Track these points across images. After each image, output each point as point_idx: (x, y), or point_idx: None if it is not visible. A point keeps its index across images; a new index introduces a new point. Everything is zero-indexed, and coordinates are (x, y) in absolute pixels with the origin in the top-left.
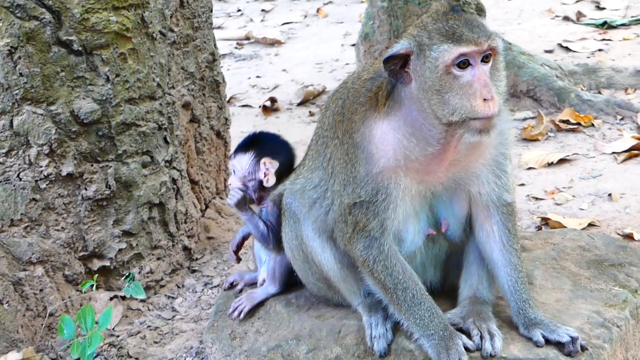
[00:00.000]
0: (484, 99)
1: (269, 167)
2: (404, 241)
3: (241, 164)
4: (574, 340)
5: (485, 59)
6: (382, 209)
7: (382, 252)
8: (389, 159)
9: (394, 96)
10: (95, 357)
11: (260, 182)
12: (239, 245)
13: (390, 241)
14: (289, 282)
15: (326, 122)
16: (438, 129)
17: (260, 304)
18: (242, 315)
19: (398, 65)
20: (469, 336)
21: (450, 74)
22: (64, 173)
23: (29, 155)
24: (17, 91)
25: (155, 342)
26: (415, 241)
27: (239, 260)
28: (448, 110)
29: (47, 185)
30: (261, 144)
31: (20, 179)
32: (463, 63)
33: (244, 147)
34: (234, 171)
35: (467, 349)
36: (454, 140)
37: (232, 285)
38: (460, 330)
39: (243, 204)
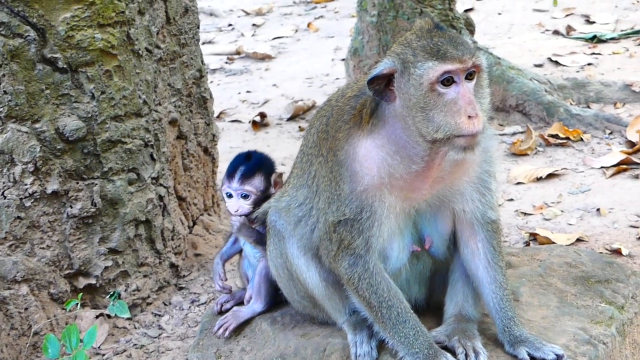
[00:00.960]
0: (469, 117)
1: (278, 181)
2: (389, 258)
3: (255, 186)
4: (559, 358)
5: (469, 77)
6: (367, 227)
7: (367, 270)
8: (373, 176)
9: (377, 114)
10: None
11: (267, 197)
12: (225, 273)
13: (375, 259)
14: (275, 300)
15: (310, 140)
16: (422, 147)
17: (246, 322)
18: (227, 333)
19: (382, 84)
20: (454, 354)
21: (435, 91)
22: (49, 191)
23: (13, 174)
24: (1, 109)
25: None
26: (400, 258)
27: (230, 290)
28: (432, 127)
29: (32, 203)
30: (261, 163)
31: (5, 197)
32: (447, 80)
33: (249, 172)
34: (243, 196)
35: None
36: (438, 158)
37: (221, 309)
38: (445, 348)
39: (247, 228)
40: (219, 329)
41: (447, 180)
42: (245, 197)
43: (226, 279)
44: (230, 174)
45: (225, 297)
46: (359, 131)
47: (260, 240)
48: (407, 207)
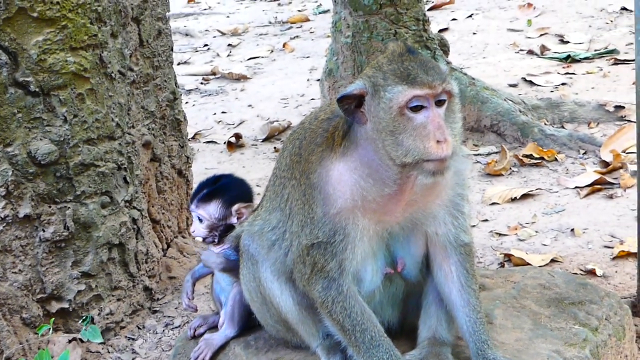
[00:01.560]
0: (437, 141)
1: (243, 212)
2: (362, 281)
3: (209, 212)
4: None
5: (439, 102)
6: (340, 250)
7: (341, 293)
8: (346, 199)
9: (350, 136)
10: None
11: (229, 225)
12: (193, 292)
13: (349, 282)
14: (249, 324)
15: (283, 163)
16: (393, 170)
17: (221, 347)
18: None
19: (352, 104)
20: None
21: (404, 115)
22: (21, 215)
23: None
24: None
25: None
26: (374, 280)
27: (196, 309)
28: (401, 151)
29: (3, 227)
30: (225, 190)
31: None
32: (416, 106)
33: (207, 196)
34: (199, 219)
35: None
36: (410, 182)
37: (194, 333)
38: None
39: (218, 258)
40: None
41: (420, 203)
42: (200, 220)
43: (193, 298)
44: (193, 195)
45: (198, 321)
46: (331, 154)
47: (228, 266)
48: (380, 229)
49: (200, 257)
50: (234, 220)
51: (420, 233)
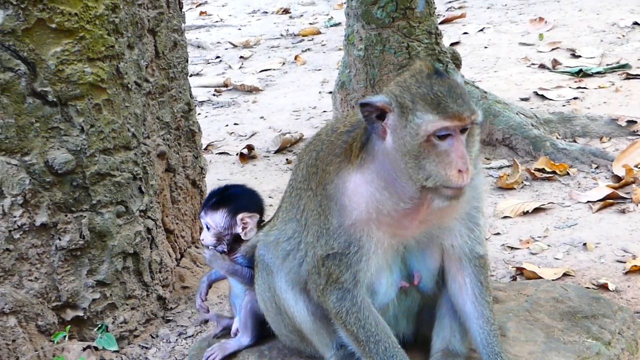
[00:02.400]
0: (459, 170)
1: (248, 222)
2: (377, 293)
3: (215, 221)
4: None
5: (463, 130)
6: (355, 261)
7: (355, 304)
8: (362, 211)
9: (367, 148)
10: None
11: (236, 235)
12: (207, 293)
13: (364, 293)
14: (263, 334)
15: (300, 174)
16: (411, 189)
17: (234, 354)
18: None
19: (374, 114)
20: None
21: (430, 142)
22: (37, 223)
23: (2, 206)
24: None
25: None
26: (388, 293)
27: (208, 310)
28: (422, 175)
29: (20, 235)
30: (231, 199)
31: None
32: (444, 135)
33: (214, 204)
34: (207, 227)
35: None
36: (426, 201)
37: (205, 322)
38: None
39: (216, 259)
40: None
41: (436, 218)
42: (208, 228)
43: (206, 299)
44: (204, 203)
45: (212, 316)
46: (348, 165)
47: (232, 269)
48: (395, 243)
49: (205, 257)
50: (239, 229)
51: (436, 246)
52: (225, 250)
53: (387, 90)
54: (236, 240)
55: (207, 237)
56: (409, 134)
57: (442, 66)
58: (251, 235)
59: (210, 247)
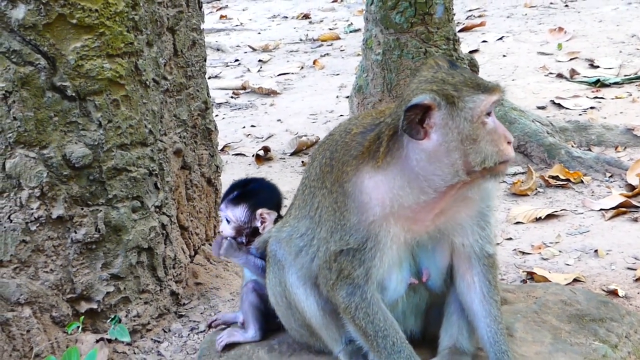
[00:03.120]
0: (508, 142)
1: (266, 218)
2: (386, 289)
3: (235, 215)
4: None
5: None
6: (369, 257)
7: (365, 300)
8: (383, 207)
9: (393, 152)
10: None
11: (255, 228)
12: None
13: (374, 289)
14: (269, 328)
15: (313, 173)
16: (446, 179)
17: (242, 348)
18: (219, 347)
19: (418, 117)
20: None
21: (483, 122)
22: (54, 216)
23: (20, 198)
24: (10, 134)
25: None
26: (397, 290)
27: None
28: (480, 158)
29: (37, 227)
30: (253, 194)
31: (11, 221)
32: (489, 112)
33: (235, 199)
34: (227, 220)
35: None
36: (454, 189)
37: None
38: None
39: (233, 250)
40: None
41: (450, 213)
42: (228, 221)
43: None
44: (223, 196)
45: (220, 317)
46: (367, 166)
47: (250, 263)
48: (409, 238)
49: (216, 248)
50: (257, 224)
51: (446, 243)
52: (244, 242)
53: (420, 90)
54: (254, 234)
55: (227, 229)
56: (465, 119)
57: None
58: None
59: (228, 238)
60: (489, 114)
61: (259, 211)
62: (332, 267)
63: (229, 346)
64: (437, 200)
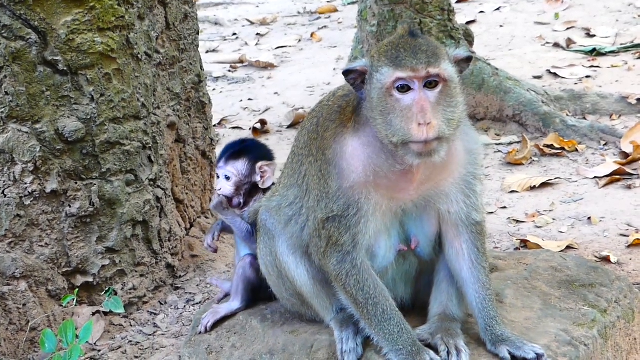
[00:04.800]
0: (419, 124)
1: (266, 170)
2: (376, 256)
3: (237, 169)
4: (539, 357)
5: (429, 85)
6: (354, 224)
7: (355, 267)
8: (359, 174)
9: (359, 112)
10: None
11: (254, 185)
12: (218, 236)
13: (363, 256)
14: (256, 297)
15: (301, 141)
16: (392, 148)
17: (233, 318)
18: (205, 329)
19: (358, 80)
20: (437, 352)
21: (392, 96)
22: (48, 190)
23: (13, 172)
24: (2, 109)
25: (136, 357)
26: (387, 257)
27: (216, 250)
28: (389, 131)
29: (31, 201)
30: (251, 148)
31: (5, 196)
32: (402, 87)
33: (236, 153)
34: (226, 177)
35: None
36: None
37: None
38: (429, 346)
39: (222, 207)
40: (200, 326)
41: (433, 181)
42: (227, 178)
43: (217, 239)
44: (220, 155)
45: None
46: (344, 129)
47: (236, 224)
48: (394, 206)
49: (210, 205)
50: (257, 178)
51: (433, 211)
52: (242, 202)
53: (367, 55)
54: (251, 193)
55: (226, 187)
56: (374, 89)
57: (454, 42)
58: (269, 184)
59: (222, 196)
60: (403, 90)
61: (259, 164)
62: (322, 234)
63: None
64: (410, 170)
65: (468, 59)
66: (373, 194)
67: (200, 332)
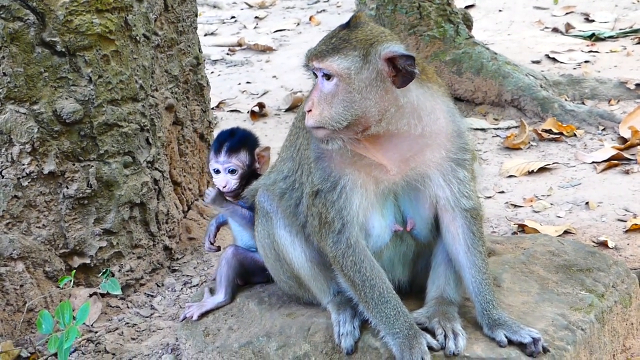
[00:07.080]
0: (307, 110)
1: (264, 155)
2: (370, 236)
3: (241, 160)
4: (535, 341)
5: (327, 76)
6: (336, 198)
7: (350, 247)
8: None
9: None
10: (73, 352)
11: (252, 171)
12: (215, 235)
13: (356, 234)
14: (250, 282)
15: (300, 114)
16: None
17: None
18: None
19: None
20: (434, 335)
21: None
22: (45, 171)
23: (11, 153)
24: (0, 90)
25: (133, 339)
26: (382, 236)
27: (218, 248)
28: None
29: (29, 182)
30: (244, 138)
31: (3, 177)
32: (313, 73)
33: (235, 146)
34: (230, 171)
35: (431, 348)
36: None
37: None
38: (426, 329)
39: (220, 200)
40: (184, 317)
41: (414, 162)
42: (232, 171)
43: (215, 241)
44: (216, 150)
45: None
46: None
47: (237, 213)
48: (381, 186)
49: (206, 200)
50: (256, 165)
51: (425, 195)
52: (240, 190)
53: None
54: (248, 180)
55: (232, 182)
56: None
57: (452, 27)
58: (266, 168)
59: (215, 188)
60: (314, 74)
61: (256, 151)
62: (313, 211)
63: None
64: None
65: (404, 57)
66: (350, 169)
67: (181, 320)
